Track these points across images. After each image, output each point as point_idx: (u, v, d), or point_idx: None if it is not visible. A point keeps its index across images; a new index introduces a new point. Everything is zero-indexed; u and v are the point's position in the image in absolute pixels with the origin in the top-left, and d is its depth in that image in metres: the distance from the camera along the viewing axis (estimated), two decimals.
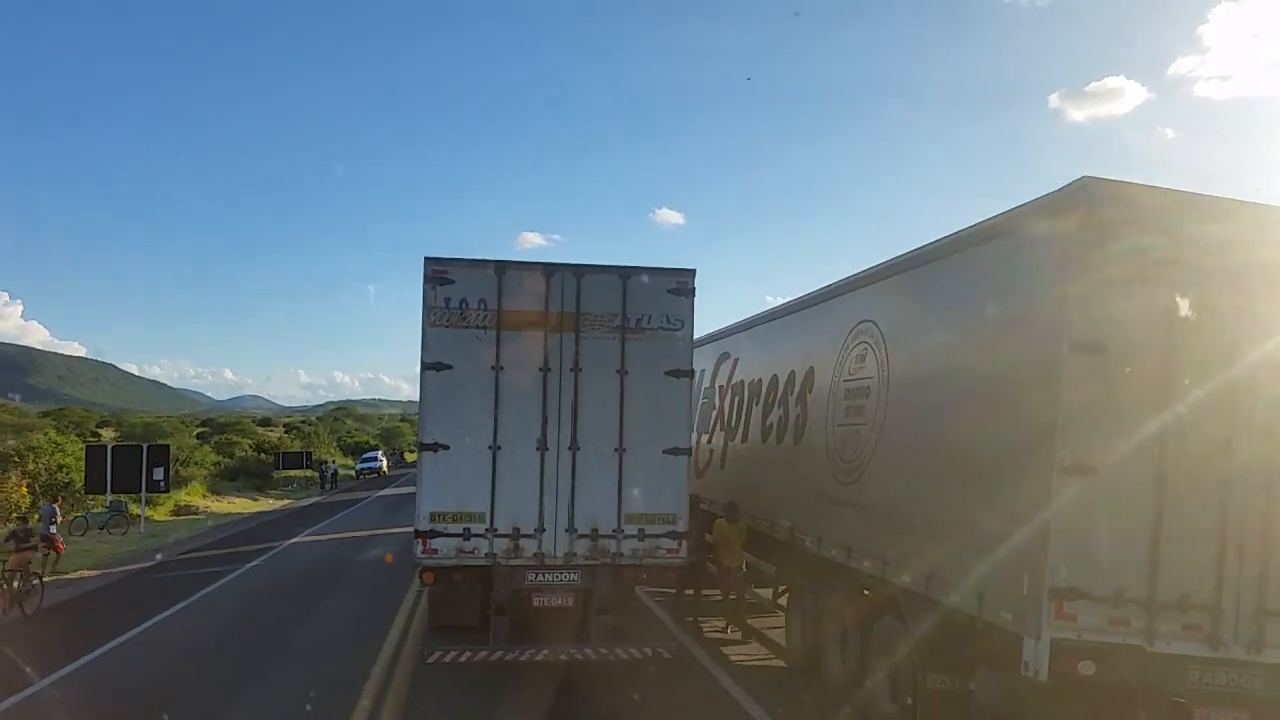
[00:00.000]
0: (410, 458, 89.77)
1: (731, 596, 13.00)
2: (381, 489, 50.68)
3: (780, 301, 14.60)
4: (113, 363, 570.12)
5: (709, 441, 15.68)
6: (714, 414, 15.55)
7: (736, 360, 14.69)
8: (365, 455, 70.71)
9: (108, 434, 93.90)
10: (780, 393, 12.10)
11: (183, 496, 39.52)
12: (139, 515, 29.30)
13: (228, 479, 49.29)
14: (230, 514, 37.38)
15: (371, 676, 10.50)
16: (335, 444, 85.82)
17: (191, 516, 35.06)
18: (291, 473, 56.08)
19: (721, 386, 15.29)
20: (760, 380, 13.09)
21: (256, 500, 45.24)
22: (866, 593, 9.45)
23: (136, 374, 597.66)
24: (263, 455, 59.86)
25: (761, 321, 13.63)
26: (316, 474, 55.77)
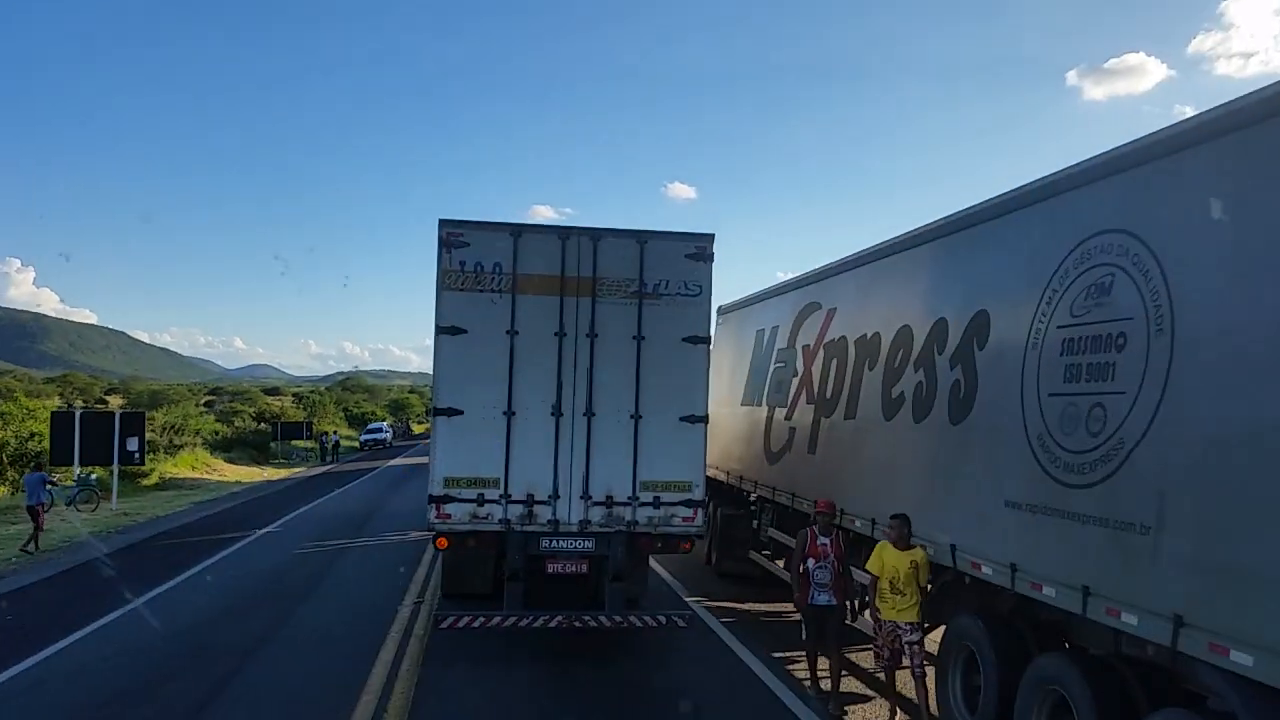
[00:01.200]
0: (418, 429, 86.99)
1: (878, 672, 8.54)
2: (390, 459, 47.88)
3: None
4: (123, 330, 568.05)
5: (787, 417, 12.32)
6: (795, 381, 12.17)
7: (832, 311, 11.28)
8: (370, 426, 68.12)
9: (115, 401, 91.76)
10: (916, 351, 8.69)
11: (170, 468, 36.59)
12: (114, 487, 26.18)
13: (224, 449, 46.26)
14: (221, 485, 34.28)
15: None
16: (342, 414, 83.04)
17: (175, 491, 32.00)
18: (296, 443, 53.14)
19: (808, 346, 11.89)
20: (876, 336, 9.69)
21: (254, 470, 42.26)
22: (1096, 652, 6.13)
23: (147, 342, 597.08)
24: (262, 425, 56.72)
25: (877, 256, 10.16)
26: (317, 445, 52.77)
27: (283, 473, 42.17)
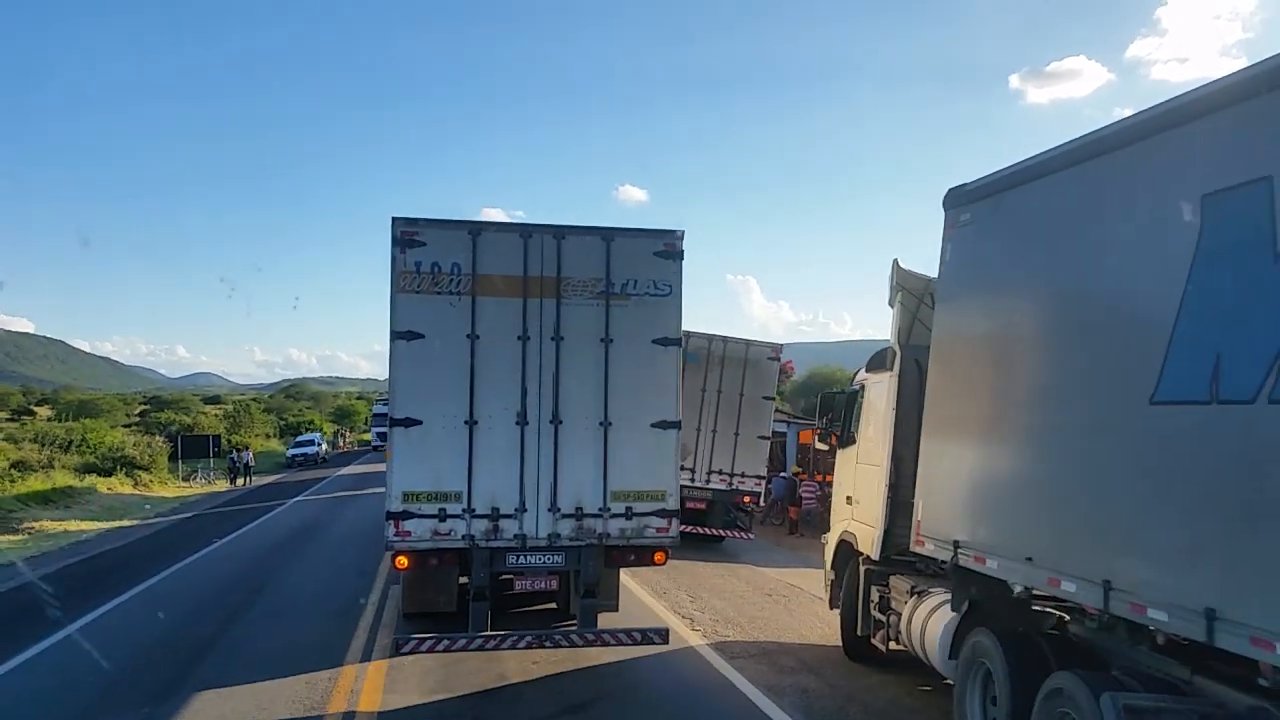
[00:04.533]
0: (362, 438, 77.57)
1: None
2: (317, 479, 39.17)
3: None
4: (62, 339, 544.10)
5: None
6: None
7: None
8: (299, 439, 58.58)
9: (43, 412, 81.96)
10: None
11: (17, 488, 28.59)
12: None
13: (102, 474, 36.78)
14: (64, 533, 24.86)
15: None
16: (274, 424, 73.48)
17: None
18: (201, 461, 43.71)
19: None
20: None
21: (134, 495, 33.51)
22: None
23: (87, 350, 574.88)
24: (156, 439, 46.04)
25: None
26: (227, 463, 43.25)
27: (179, 493, 35.90)
